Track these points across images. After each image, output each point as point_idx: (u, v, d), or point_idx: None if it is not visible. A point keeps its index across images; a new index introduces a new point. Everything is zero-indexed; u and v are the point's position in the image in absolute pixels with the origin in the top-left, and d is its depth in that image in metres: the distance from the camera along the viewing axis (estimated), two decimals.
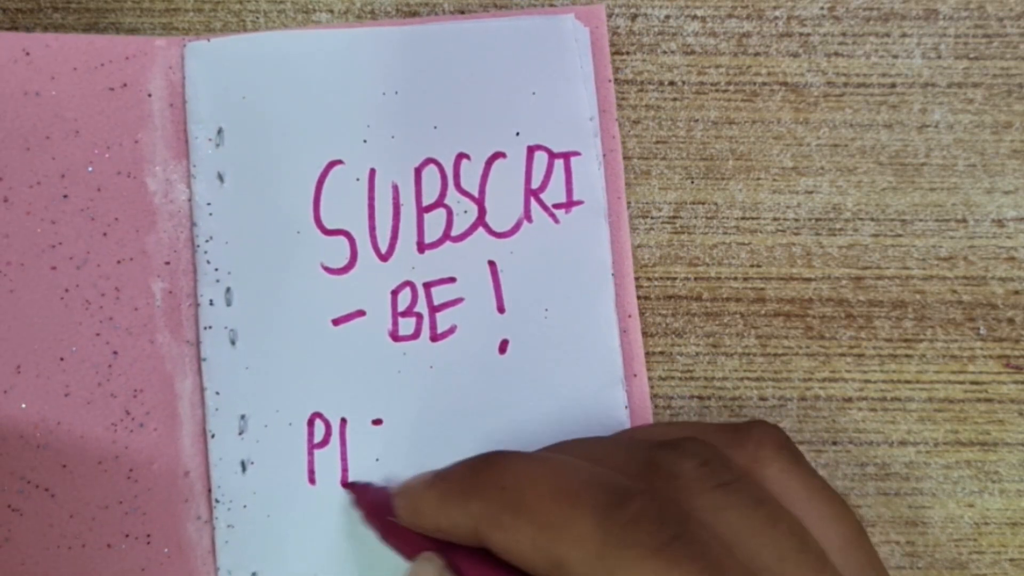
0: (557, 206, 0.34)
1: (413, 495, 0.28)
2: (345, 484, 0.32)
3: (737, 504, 0.25)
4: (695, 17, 0.35)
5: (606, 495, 0.24)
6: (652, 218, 0.35)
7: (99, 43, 0.34)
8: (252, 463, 0.32)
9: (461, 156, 0.34)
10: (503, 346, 0.33)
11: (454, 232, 0.34)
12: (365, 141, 0.34)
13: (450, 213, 0.34)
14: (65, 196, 0.33)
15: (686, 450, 0.26)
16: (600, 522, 0.23)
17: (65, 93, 0.34)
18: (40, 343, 0.33)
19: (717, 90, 0.35)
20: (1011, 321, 0.34)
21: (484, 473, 0.26)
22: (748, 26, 0.35)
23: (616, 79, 0.35)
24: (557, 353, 0.33)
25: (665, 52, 0.35)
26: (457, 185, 0.34)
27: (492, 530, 0.25)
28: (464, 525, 0.26)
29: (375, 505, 0.30)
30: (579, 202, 0.34)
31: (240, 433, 0.33)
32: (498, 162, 0.34)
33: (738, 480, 0.25)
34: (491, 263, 0.33)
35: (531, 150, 0.34)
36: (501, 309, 0.33)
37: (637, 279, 0.34)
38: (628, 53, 0.35)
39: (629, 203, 0.35)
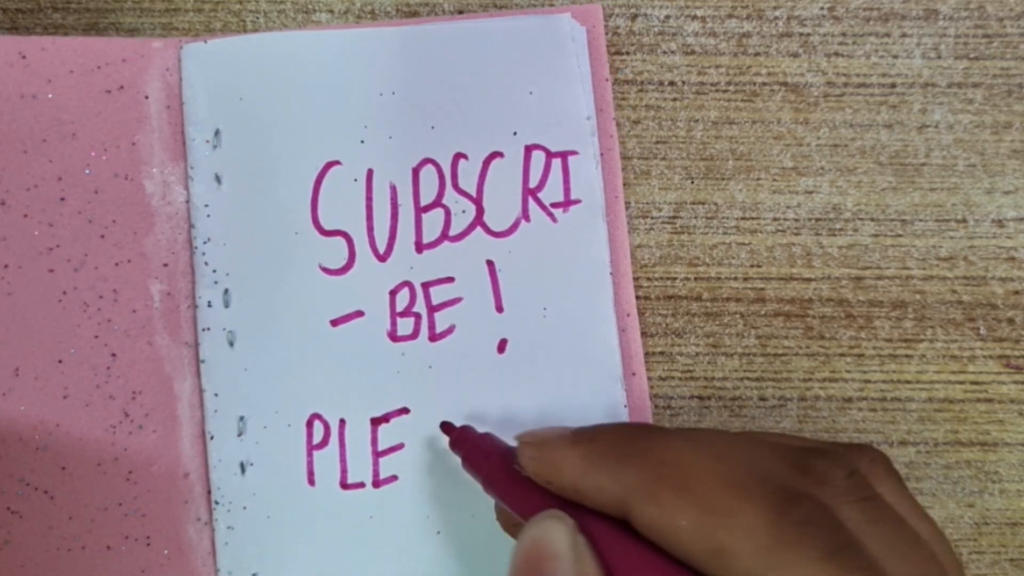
0: (555, 205, 0.34)
1: (550, 448, 0.26)
2: (441, 425, 0.31)
3: (884, 520, 0.24)
4: (695, 17, 0.35)
5: (776, 492, 0.23)
6: (652, 218, 0.35)
7: (96, 46, 0.34)
8: (251, 464, 0.32)
9: (459, 156, 0.34)
10: (502, 345, 0.33)
11: (452, 232, 0.34)
12: (363, 142, 0.34)
13: (448, 213, 0.34)
14: (62, 199, 0.33)
15: (836, 458, 0.26)
16: (774, 518, 0.23)
17: (62, 96, 0.34)
18: (38, 346, 0.33)
19: (717, 90, 0.35)
20: (1011, 321, 0.34)
21: (642, 442, 0.25)
22: (748, 26, 0.35)
23: (616, 79, 0.35)
24: (556, 352, 0.33)
25: (665, 52, 0.35)
26: (455, 185, 0.34)
27: (645, 504, 0.24)
28: (610, 491, 0.24)
29: (481, 451, 0.29)
30: (577, 201, 0.34)
31: (239, 434, 0.33)
32: (496, 162, 0.34)
33: (879, 496, 0.25)
34: (489, 263, 0.33)
35: (529, 149, 0.34)
36: (500, 308, 0.33)
37: (637, 279, 0.34)
38: (628, 53, 0.35)
39: (629, 203, 0.35)
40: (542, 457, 0.26)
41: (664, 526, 0.23)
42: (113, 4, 0.35)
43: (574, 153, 0.34)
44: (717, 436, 0.26)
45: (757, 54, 0.35)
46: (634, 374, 0.33)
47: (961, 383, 0.34)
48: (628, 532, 0.24)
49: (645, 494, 0.24)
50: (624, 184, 0.35)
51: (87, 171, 0.33)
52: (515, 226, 0.34)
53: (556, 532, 0.25)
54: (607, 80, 0.35)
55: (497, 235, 0.34)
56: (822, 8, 0.35)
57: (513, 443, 0.27)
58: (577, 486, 0.25)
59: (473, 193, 0.34)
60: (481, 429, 0.30)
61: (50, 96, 0.34)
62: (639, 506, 0.24)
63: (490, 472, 0.28)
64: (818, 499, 0.23)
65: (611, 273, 0.33)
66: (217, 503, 0.32)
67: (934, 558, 0.24)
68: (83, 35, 0.35)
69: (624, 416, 0.33)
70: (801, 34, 0.35)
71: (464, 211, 0.34)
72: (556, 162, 0.34)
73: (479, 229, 0.34)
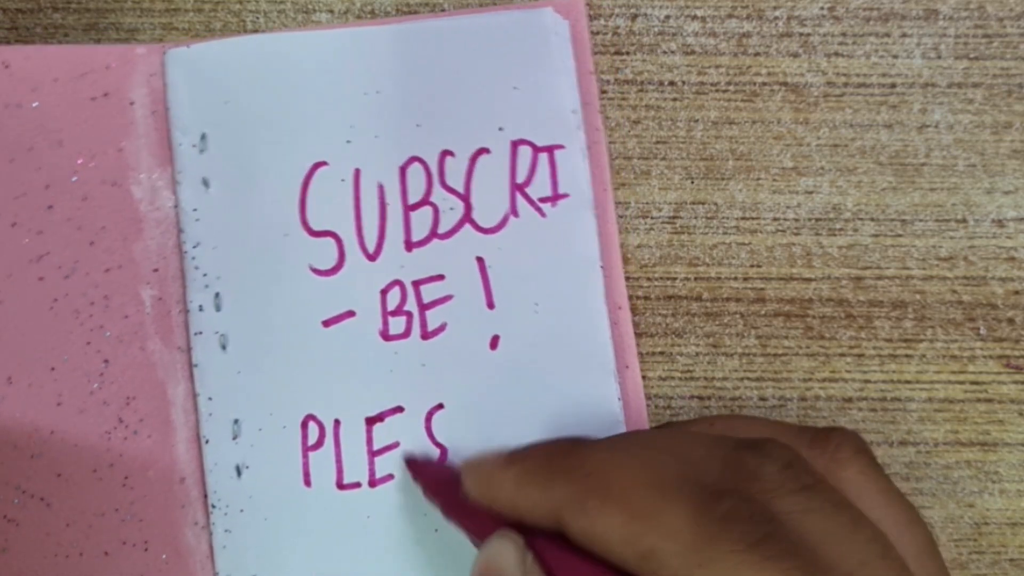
0: (543, 200, 0.33)
1: (486, 472, 0.28)
2: (406, 459, 0.32)
3: (820, 508, 0.25)
4: (695, 17, 0.35)
5: (699, 491, 0.24)
6: (652, 218, 0.35)
7: (80, 53, 0.34)
8: (247, 467, 0.32)
9: (445, 153, 0.34)
10: (494, 342, 0.33)
11: (441, 230, 0.33)
12: (349, 141, 0.34)
13: (436, 211, 0.33)
14: (51, 207, 0.33)
15: (769, 452, 0.26)
16: (695, 516, 0.23)
17: (47, 104, 0.33)
18: (31, 353, 0.33)
19: (717, 90, 0.35)
20: (1011, 321, 0.34)
21: (569, 457, 0.26)
22: (748, 26, 0.35)
23: (616, 79, 0.35)
24: (548, 347, 0.33)
25: (665, 52, 0.35)
26: (442, 182, 0.34)
27: (576, 515, 0.25)
28: (544, 507, 0.26)
29: (438, 480, 0.30)
30: (565, 195, 0.33)
31: (234, 438, 0.33)
32: (482, 158, 0.34)
33: (820, 484, 0.25)
34: (479, 259, 0.33)
35: (515, 145, 0.34)
36: (491, 305, 0.33)
37: (637, 279, 0.34)
38: (628, 53, 0.35)
39: (629, 203, 0.35)
40: (480, 482, 0.28)
41: (595, 535, 0.24)
42: (113, 4, 0.35)
43: (560, 147, 0.34)
44: (645, 442, 0.27)
45: (757, 54, 0.35)
46: (627, 367, 0.33)
47: (961, 383, 0.34)
48: (571, 547, 0.25)
49: (575, 506, 0.25)
50: (624, 184, 0.35)
51: (74, 178, 0.33)
52: (504, 222, 0.33)
53: (505, 551, 0.26)
54: (591, 73, 0.35)
55: (486, 231, 0.33)
56: (822, 8, 0.35)
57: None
58: (514, 505, 0.26)
59: (461, 190, 0.33)
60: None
61: (35, 105, 0.33)
62: (570, 518, 0.25)
63: (445, 500, 0.29)
64: (744, 493, 0.24)
65: (602, 267, 0.33)
66: (214, 506, 0.32)
67: (875, 539, 0.25)
68: (83, 35, 0.35)
69: (618, 410, 0.33)
70: (801, 34, 0.35)
71: (452, 208, 0.33)
72: (543, 157, 0.34)
73: (468, 226, 0.33)
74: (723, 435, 0.28)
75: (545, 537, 0.26)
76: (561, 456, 0.26)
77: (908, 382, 0.34)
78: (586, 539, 0.25)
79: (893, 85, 0.35)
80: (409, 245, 0.33)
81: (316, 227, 0.33)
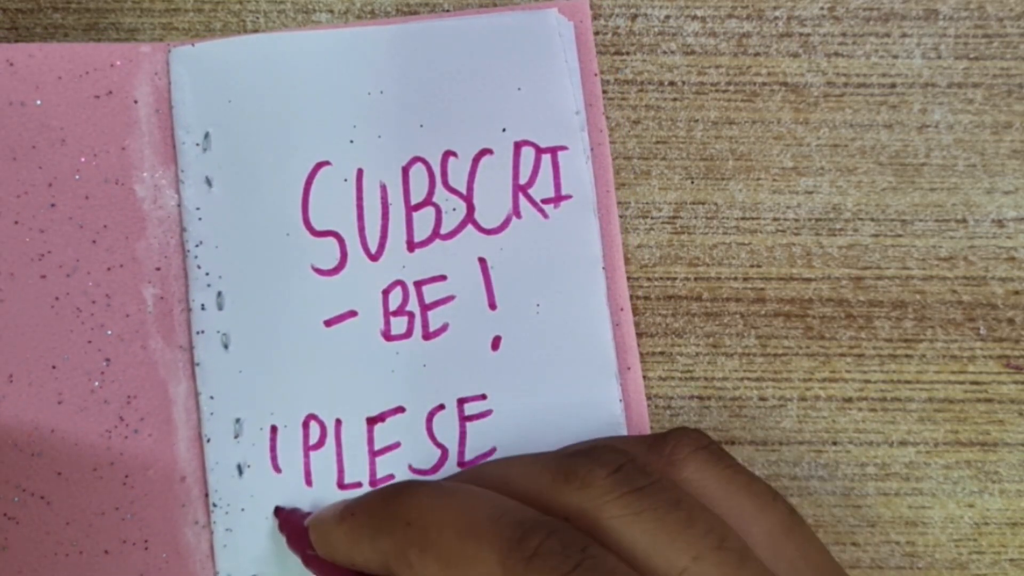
0: (546, 201, 0.33)
1: (325, 528, 0.28)
2: (276, 510, 0.32)
3: (651, 508, 0.25)
4: (695, 17, 0.35)
5: (509, 529, 0.24)
6: (652, 218, 0.35)
7: (83, 51, 0.34)
8: (248, 466, 0.32)
9: (448, 154, 0.34)
10: (496, 343, 0.33)
11: (443, 230, 0.33)
12: (352, 141, 0.34)
13: (439, 211, 0.33)
14: (53, 205, 0.33)
15: (598, 457, 0.26)
16: (502, 559, 0.23)
17: (50, 102, 0.33)
18: (32, 352, 0.33)
19: (717, 90, 0.35)
20: (1011, 321, 0.34)
21: (391, 506, 0.26)
22: (748, 26, 0.35)
23: (616, 79, 0.35)
24: (550, 348, 0.33)
25: (665, 52, 0.35)
26: (445, 183, 0.34)
27: (401, 568, 0.25)
28: (375, 560, 0.26)
29: (299, 532, 0.31)
30: (567, 196, 0.33)
31: (235, 437, 0.32)
32: (485, 159, 0.34)
33: (653, 484, 0.25)
34: (481, 260, 0.33)
35: (518, 146, 0.34)
36: (492, 306, 0.33)
37: (637, 279, 0.34)
38: (628, 53, 0.35)
39: (629, 203, 0.35)
40: (320, 539, 0.28)
41: None
42: (113, 4, 0.35)
43: (564, 148, 0.34)
44: (470, 477, 0.27)
45: (757, 54, 0.35)
46: (629, 368, 0.33)
47: (961, 383, 0.34)
48: None
49: (398, 559, 0.25)
50: (624, 184, 0.35)
51: (77, 176, 0.33)
52: (506, 223, 0.33)
53: None
54: (595, 75, 0.35)
55: (488, 232, 0.33)
56: (822, 8, 0.35)
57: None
58: (351, 560, 0.27)
59: (463, 191, 0.33)
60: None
61: (38, 103, 0.33)
62: (398, 571, 0.25)
63: (302, 553, 0.30)
64: (554, 525, 0.24)
65: (604, 268, 0.33)
66: (215, 505, 0.32)
67: (711, 531, 0.24)
68: (83, 35, 0.35)
69: (619, 412, 0.33)
70: (801, 34, 0.35)
71: (455, 209, 0.33)
72: (546, 158, 0.34)
73: (470, 227, 0.33)
74: (561, 450, 0.28)
75: None
76: (387, 505, 0.26)
77: (908, 382, 0.34)
78: None
79: (893, 85, 0.35)
80: (411, 245, 0.33)
81: (318, 227, 0.33)
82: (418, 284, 0.33)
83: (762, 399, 0.34)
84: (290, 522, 0.31)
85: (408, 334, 0.33)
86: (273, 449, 0.32)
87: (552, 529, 0.24)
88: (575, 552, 0.23)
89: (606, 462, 0.26)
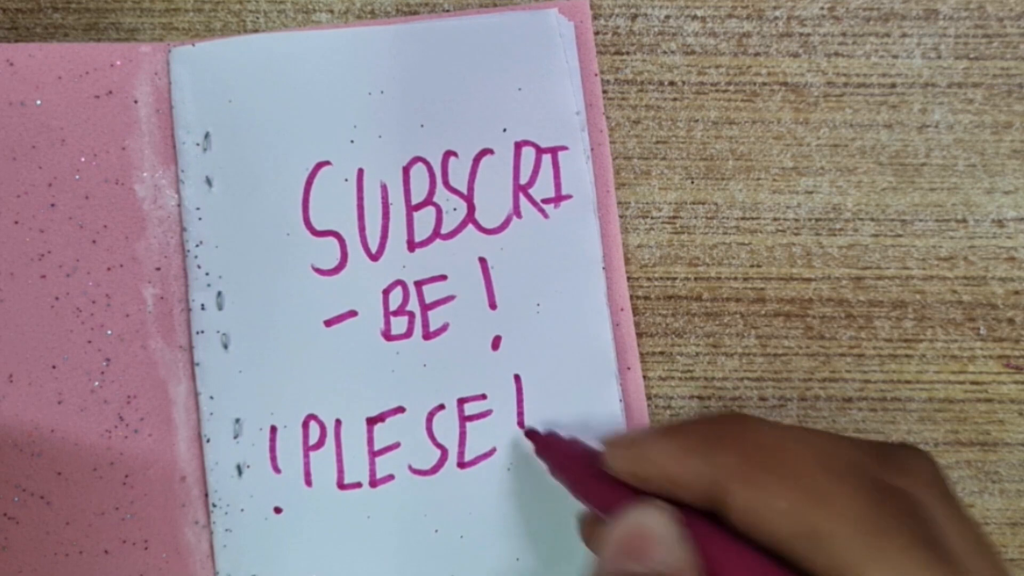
0: (546, 201, 0.33)
1: (640, 443, 0.26)
2: (526, 432, 0.32)
3: (961, 517, 0.24)
4: (695, 17, 0.35)
5: (872, 482, 0.24)
6: (652, 218, 0.35)
7: (84, 51, 0.34)
8: (248, 466, 0.32)
9: (449, 154, 0.34)
10: (496, 342, 0.33)
11: (444, 230, 0.33)
12: (352, 141, 0.34)
13: (439, 211, 0.33)
14: (53, 205, 0.33)
15: (916, 453, 0.26)
16: (871, 505, 0.23)
17: (51, 102, 0.33)
18: (32, 352, 0.33)
19: (717, 90, 0.35)
20: (1011, 321, 0.34)
21: (736, 428, 0.25)
22: (748, 26, 0.35)
23: (616, 79, 0.35)
24: (550, 348, 0.33)
25: (665, 52, 0.35)
26: (445, 183, 0.34)
27: (740, 485, 0.24)
28: (704, 479, 0.25)
29: (568, 456, 0.29)
30: (568, 196, 0.33)
31: (235, 437, 0.33)
32: (486, 159, 0.34)
33: (954, 492, 0.25)
34: (481, 260, 0.33)
35: (519, 146, 0.34)
36: (493, 305, 0.33)
37: (637, 279, 0.34)
38: (628, 53, 0.35)
39: (629, 203, 0.35)
40: (633, 454, 0.26)
41: (760, 507, 0.23)
42: (113, 4, 0.35)
43: (564, 148, 0.34)
44: (804, 427, 0.26)
45: (757, 54, 0.35)
46: (629, 368, 0.33)
47: (961, 383, 0.34)
48: (720, 526, 0.24)
49: (742, 477, 0.24)
50: (624, 184, 0.35)
51: (77, 176, 0.33)
52: (506, 223, 0.33)
53: (658, 518, 0.25)
54: (596, 75, 0.35)
55: (489, 232, 0.33)
56: (822, 8, 0.35)
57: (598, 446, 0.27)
58: (671, 475, 0.25)
59: (464, 191, 0.33)
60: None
61: (39, 103, 0.33)
62: (736, 488, 0.24)
63: (578, 476, 0.28)
64: (909, 493, 0.24)
65: (604, 268, 0.33)
66: (215, 505, 0.32)
67: (1001, 561, 0.24)
68: (83, 35, 0.35)
69: (619, 411, 0.33)
70: (801, 34, 0.35)
71: (455, 209, 0.33)
72: (546, 158, 0.34)
73: (471, 227, 0.33)
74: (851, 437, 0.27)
75: (694, 515, 0.25)
76: (726, 428, 0.25)
77: (908, 382, 0.34)
78: (749, 511, 0.24)
79: (893, 85, 0.35)
80: (412, 245, 0.33)
81: (319, 227, 0.33)
82: (418, 284, 0.33)
83: (762, 399, 0.34)
84: (554, 447, 0.30)
85: (408, 334, 0.33)
86: (273, 449, 0.32)
87: (912, 498, 0.24)
88: (931, 524, 0.23)
89: (924, 459, 0.25)
